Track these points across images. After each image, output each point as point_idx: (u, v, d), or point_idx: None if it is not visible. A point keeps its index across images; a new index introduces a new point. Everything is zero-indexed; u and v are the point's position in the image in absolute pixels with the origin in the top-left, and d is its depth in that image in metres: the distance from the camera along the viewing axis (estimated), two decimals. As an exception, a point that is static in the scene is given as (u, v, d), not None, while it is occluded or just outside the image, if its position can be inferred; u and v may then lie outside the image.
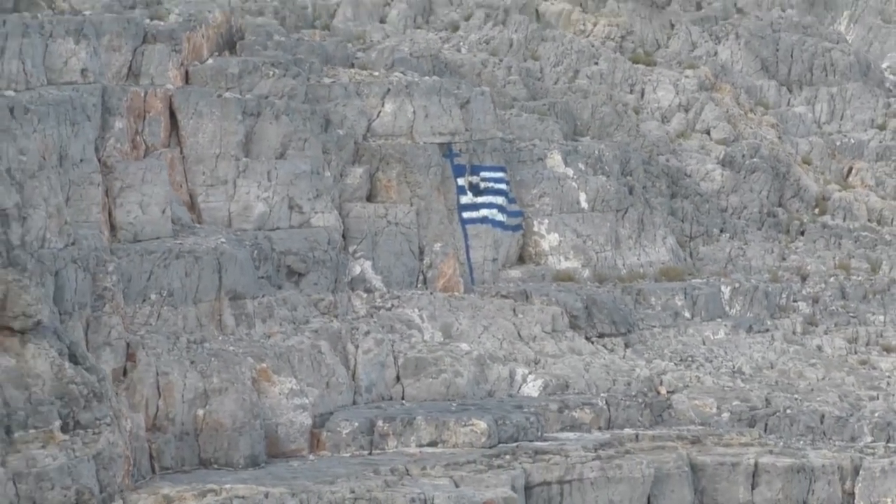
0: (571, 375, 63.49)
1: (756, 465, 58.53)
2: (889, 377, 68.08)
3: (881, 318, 72.01)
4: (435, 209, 66.63)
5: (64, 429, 47.08)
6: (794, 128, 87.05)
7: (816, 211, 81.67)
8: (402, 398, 61.05)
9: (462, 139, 68.30)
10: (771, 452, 59.57)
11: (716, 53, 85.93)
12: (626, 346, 68.28)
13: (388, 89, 68.59)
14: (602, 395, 62.82)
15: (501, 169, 68.26)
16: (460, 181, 67.55)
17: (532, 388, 62.20)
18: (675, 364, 66.66)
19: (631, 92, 79.95)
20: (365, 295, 64.57)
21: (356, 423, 57.41)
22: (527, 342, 64.16)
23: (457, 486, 52.71)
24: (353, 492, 49.76)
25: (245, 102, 64.65)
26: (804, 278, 74.68)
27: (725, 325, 70.02)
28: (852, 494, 59.95)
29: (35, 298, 47.54)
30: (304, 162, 65.41)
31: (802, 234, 79.60)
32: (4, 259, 47.41)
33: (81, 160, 57.83)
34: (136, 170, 60.47)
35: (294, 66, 67.91)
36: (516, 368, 63.19)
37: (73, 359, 49.55)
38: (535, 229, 70.58)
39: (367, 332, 61.43)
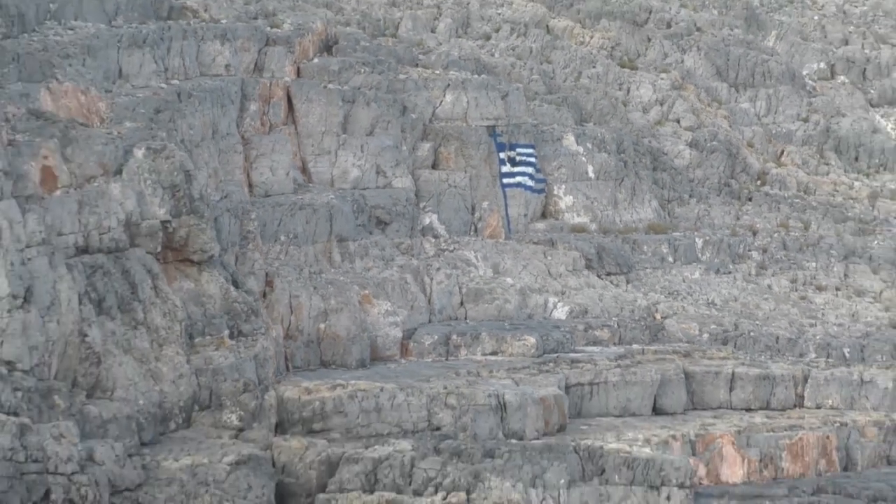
0: (589, 304, 64.89)
1: (733, 374, 60.25)
2: (823, 309, 69.34)
3: (813, 264, 73.10)
4: (483, 176, 68.11)
5: (231, 336, 49.97)
6: (740, 119, 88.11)
7: (759, 182, 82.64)
8: (466, 318, 62.72)
9: (503, 123, 69.87)
10: (742, 364, 60.99)
11: (682, 61, 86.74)
12: (628, 282, 69.73)
13: (448, 84, 70.13)
14: (614, 318, 64.54)
15: (531, 146, 69.47)
16: (501, 155, 68.89)
17: (561, 312, 63.92)
18: (665, 297, 67.59)
19: (620, 89, 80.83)
20: (433, 240, 66.28)
21: (435, 337, 59.79)
22: (555, 278, 65.69)
23: (517, 385, 54.77)
24: (445, 388, 51.74)
25: (343, 92, 66.17)
26: (755, 233, 75.74)
27: (700, 268, 70.85)
28: (802, 397, 61.21)
29: (210, 238, 49.83)
30: (387, 138, 67.05)
31: (750, 199, 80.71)
32: (188, 208, 49.04)
33: (227, 134, 60.17)
34: (266, 142, 62.74)
35: (377, 65, 69.27)
36: (548, 298, 64.91)
37: (235, 284, 51.72)
38: (555, 193, 71.87)
39: (438, 269, 63.20)
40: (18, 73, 50.26)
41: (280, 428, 49.71)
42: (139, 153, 50.66)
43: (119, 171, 49.80)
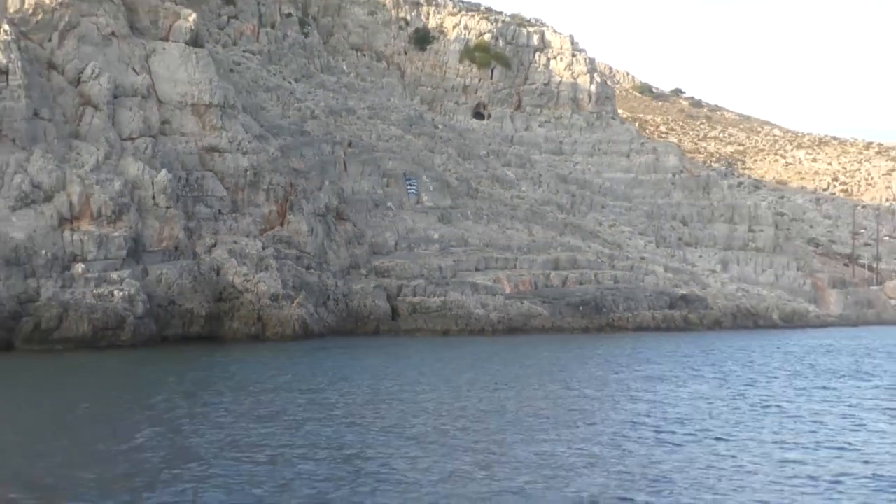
0: (448, 235, 61.69)
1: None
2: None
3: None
4: (403, 189, 64.84)
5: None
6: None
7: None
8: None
9: (408, 172, 65.87)
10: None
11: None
12: (452, 226, 64.22)
13: (390, 159, 65.53)
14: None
15: (414, 179, 66.25)
16: (408, 182, 65.70)
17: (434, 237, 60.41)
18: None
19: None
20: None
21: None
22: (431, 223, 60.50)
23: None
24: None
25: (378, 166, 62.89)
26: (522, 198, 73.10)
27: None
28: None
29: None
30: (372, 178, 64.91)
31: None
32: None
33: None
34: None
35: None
36: (431, 232, 60.87)
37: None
38: (422, 195, 66.30)
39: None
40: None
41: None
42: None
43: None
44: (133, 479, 14.43)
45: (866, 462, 16.92)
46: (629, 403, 24.11)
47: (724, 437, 19.10)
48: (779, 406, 24.35)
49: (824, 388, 29.43)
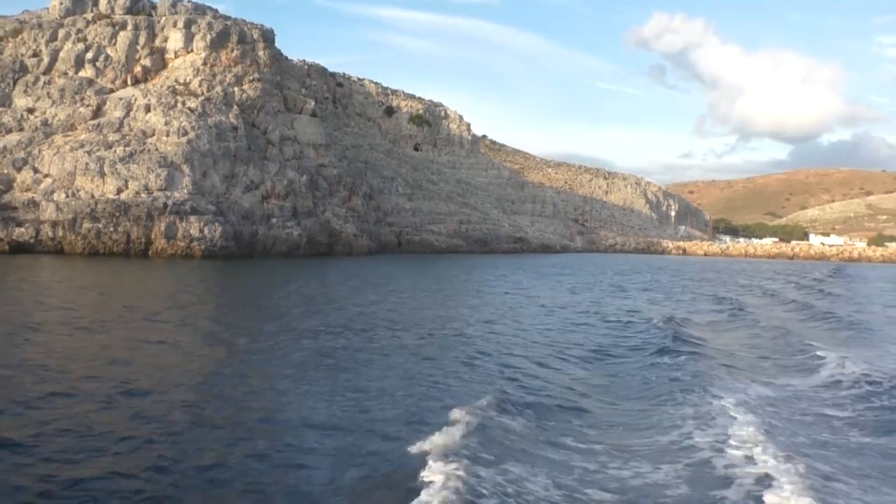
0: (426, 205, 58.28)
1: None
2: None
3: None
4: (390, 185, 60.52)
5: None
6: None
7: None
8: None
9: (392, 175, 60.13)
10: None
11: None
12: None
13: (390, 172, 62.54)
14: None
15: (395, 178, 60.42)
16: (392, 180, 60.09)
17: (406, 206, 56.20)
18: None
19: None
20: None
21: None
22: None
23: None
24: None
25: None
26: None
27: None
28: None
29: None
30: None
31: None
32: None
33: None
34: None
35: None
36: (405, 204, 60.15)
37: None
38: (397, 189, 61.56)
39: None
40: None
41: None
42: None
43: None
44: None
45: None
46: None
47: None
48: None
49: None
